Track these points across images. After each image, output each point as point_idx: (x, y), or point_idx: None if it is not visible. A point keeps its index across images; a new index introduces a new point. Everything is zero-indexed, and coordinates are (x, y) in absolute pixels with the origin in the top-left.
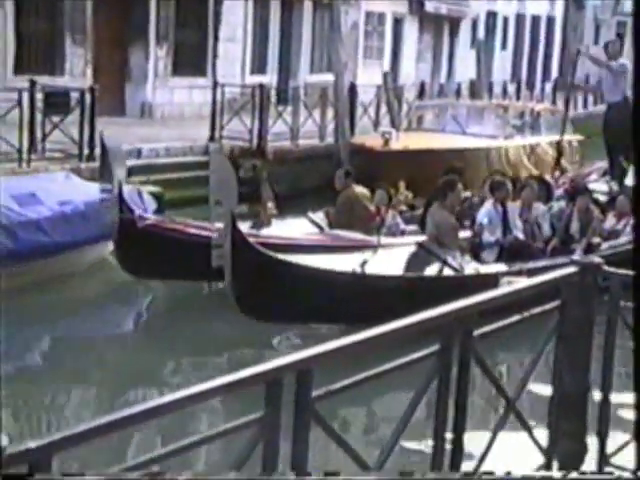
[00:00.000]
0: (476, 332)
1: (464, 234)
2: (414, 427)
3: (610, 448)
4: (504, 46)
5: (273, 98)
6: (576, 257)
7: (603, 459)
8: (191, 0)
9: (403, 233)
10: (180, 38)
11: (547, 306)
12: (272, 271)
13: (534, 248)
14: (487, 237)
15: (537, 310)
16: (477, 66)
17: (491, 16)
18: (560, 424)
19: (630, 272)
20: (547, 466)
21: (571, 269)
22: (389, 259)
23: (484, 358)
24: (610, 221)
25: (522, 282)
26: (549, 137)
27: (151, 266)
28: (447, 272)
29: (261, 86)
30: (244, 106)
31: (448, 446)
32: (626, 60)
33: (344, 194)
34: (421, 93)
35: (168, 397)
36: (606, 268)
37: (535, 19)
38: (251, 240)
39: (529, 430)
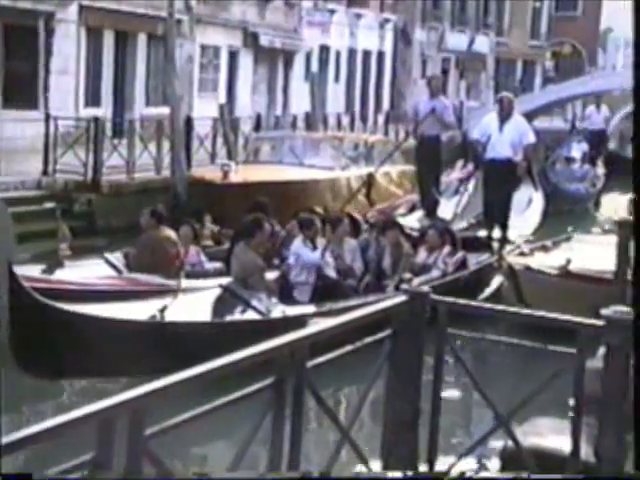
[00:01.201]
0: (309, 363)
1: (272, 274)
2: (251, 460)
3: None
4: (337, 79)
5: (108, 131)
6: (406, 288)
7: None
8: (20, 31)
9: (207, 272)
10: (10, 70)
11: (379, 335)
12: (56, 323)
13: (346, 286)
14: (296, 276)
15: (369, 339)
16: (311, 98)
17: (324, 50)
18: (392, 449)
19: (457, 300)
20: None
21: (401, 298)
22: (191, 304)
23: (319, 389)
24: (421, 255)
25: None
26: (383, 167)
27: None
28: (253, 316)
29: (95, 119)
30: (78, 139)
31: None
32: (446, 99)
33: (146, 235)
34: (257, 125)
35: None
36: (434, 297)
37: (366, 53)
38: (36, 286)
39: (362, 457)
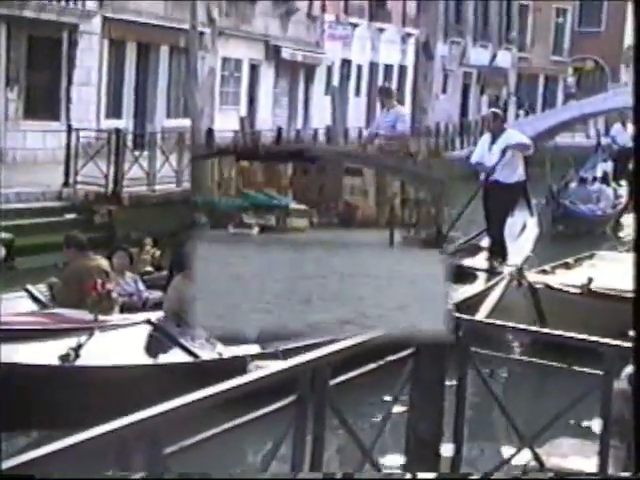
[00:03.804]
0: (332, 382)
1: None
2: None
3: None
4: (358, 93)
5: (129, 143)
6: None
7: None
8: (43, 42)
9: (146, 302)
10: (32, 81)
11: (402, 354)
12: None
13: None
14: None
15: (391, 358)
16: (332, 112)
17: (346, 64)
18: (414, 469)
19: (481, 319)
20: None
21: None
22: (114, 342)
23: (341, 407)
24: None
25: (273, 366)
26: None
27: None
28: (183, 357)
29: (117, 130)
30: (99, 151)
31: None
32: (401, 108)
33: (72, 265)
34: (278, 139)
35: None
36: (457, 315)
37: (388, 67)
38: None
39: (384, 477)
